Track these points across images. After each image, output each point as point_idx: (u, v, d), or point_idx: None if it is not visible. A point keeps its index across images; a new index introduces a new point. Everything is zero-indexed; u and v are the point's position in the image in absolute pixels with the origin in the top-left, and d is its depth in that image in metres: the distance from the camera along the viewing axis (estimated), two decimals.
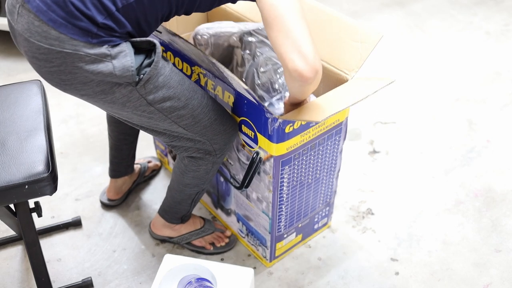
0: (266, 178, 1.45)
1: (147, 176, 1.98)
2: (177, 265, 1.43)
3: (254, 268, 1.68)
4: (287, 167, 1.43)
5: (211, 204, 1.84)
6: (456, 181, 1.98)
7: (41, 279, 1.50)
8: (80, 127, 2.24)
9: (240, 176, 1.57)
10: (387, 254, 1.72)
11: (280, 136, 1.34)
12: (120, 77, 1.16)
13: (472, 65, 2.61)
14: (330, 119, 1.43)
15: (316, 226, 1.75)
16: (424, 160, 2.08)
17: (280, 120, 1.29)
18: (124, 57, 1.15)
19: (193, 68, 1.50)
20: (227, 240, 1.73)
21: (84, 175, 2.01)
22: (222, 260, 1.71)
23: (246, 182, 1.49)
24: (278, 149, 1.37)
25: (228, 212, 1.75)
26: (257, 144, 1.41)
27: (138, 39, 1.19)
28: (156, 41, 1.20)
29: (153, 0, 1.18)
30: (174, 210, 1.64)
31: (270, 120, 1.31)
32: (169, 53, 1.57)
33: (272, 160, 1.39)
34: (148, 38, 1.20)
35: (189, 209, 1.63)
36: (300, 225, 1.66)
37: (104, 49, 1.13)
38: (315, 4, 1.50)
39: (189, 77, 1.53)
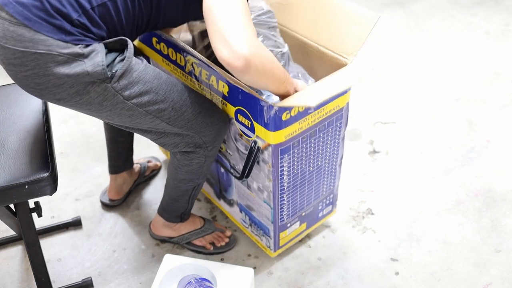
0: (265, 167, 1.44)
1: (147, 176, 1.98)
2: (177, 265, 1.44)
3: (254, 268, 1.68)
4: (286, 155, 1.41)
5: (213, 195, 1.83)
6: (456, 181, 1.98)
7: (41, 279, 1.50)
8: (80, 127, 2.24)
9: (240, 166, 1.55)
10: (387, 254, 1.73)
11: (277, 124, 1.31)
12: (92, 74, 1.16)
13: (472, 65, 2.61)
14: (329, 105, 1.41)
15: (320, 214, 1.72)
16: (424, 160, 2.08)
17: (275, 108, 1.27)
18: (95, 56, 1.17)
19: (186, 58, 1.48)
20: (227, 240, 1.73)
21: (84, 175, 2.01)
22: (222, 260, 1.71)
23: (246, 172, 1.47)
24: (276, 137, 1.34)
25: (230, 203, 1.74)
26: (254, 133, 1.39)
27: (111, 39, 1.21)
28: (128, 40, 1.23)
29: (127, 3, 1.21)
30: (172, 208, 1.64)
31: (265, 108, 1.29)
32: (162, 44, 1.55)
33: (270, 148, 1.37)
34: (120, 37, 1.22)
35: (187, 206, 1.63)
36: (303, 214, 1.63)
37: (77, 49, 1.14)
38: None
39: (183, 67, 1.52)
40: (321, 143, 1.50)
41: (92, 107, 1.25)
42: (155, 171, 2.01)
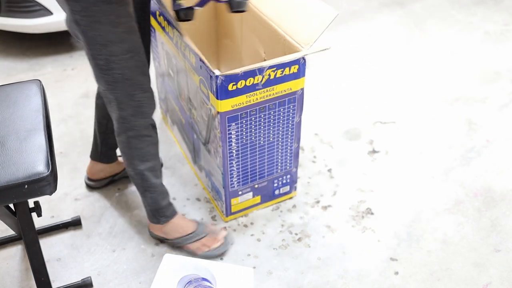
0: (217, 133, 1.60)
1: None
2: (176, 265, 1.43)
3: (254, 267, 1.68)
4: (234, 123, 1.57)
5: (192, 161, 2.00)
6: (455, 181, 1.99)
7: (41, 279, 1.50)
8: (80, 127, 2.24)
9: (204, 133, 1.72)
10: (387, 254, 1.73)
11: (224, 93, 1.49)
12: None
13: (471, 65, 2.61)
14: (280, 85, 1.57)
15: (277, 192, 1.84)
16: (424, 160, 2.08)
17: (221, 78, 1.44)
18: None
19: (173, 30, 1.68)
20: (222, 241, 1.71)
21: (84, 175, 2.01)
22: (222, 260, 1.71)
23: (207, 137, 1.66)
24: (223, 105, 1.51)
25: (200, 168, 1.90)
26: (209, 101, 1.56)
27: None
28: None
29: None
30: (146, 208, 1.69)
31: (213, 77, 1.46)
32: (161, 17, 1.77)
33: (219, 116, 1.53)
34: None
35: (150, 203, 1.64)
36: (256, 186, 1.77)
37: None
38: None
39: (172, 39, 1.72)
40: (271, 121, 1.64)
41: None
42: None
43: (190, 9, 1.42)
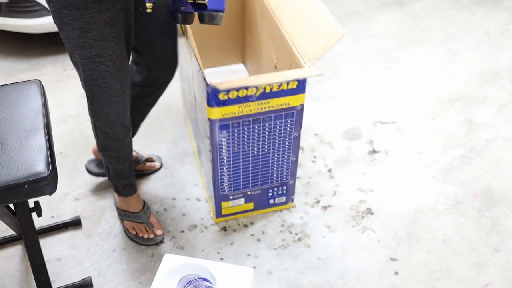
0: (207, 138, 1.62)
1: (139, 170, 1.98)
2: (176, 265, 1.43)
3: (254, 267, 1.68)
4: (225, 131, 1.57)
5: (198, 154, 2.01)
6: (455, 181, 1.99)
7: (41, 279, 1.50)
8: (80, 127, 2.24)
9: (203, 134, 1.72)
10: (387, 254, 1.73)
11: (214, 102, 1.49)
12: None
13: (471, 65, 2.61)
14: (276, 100, 1.55)
15: (271, 201, 1.84)
16: (424, 160, 2.08)
17: (212, 86, 1.43)
18: None
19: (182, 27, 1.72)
20: (151, 236, 1.76)
21: (84, 175, 2.01)
22: (221, 259, 1.71)
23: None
24: (213, 112, 1.52)
25: (203, 165, 1.90)
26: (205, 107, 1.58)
27: None
28: None
29: None
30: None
31: (205, 86, 1.46)
32: None
33: (209, 122, 1.54)
34: None
35: (110, 176, 1.74)
36: (249, 193, 1.78)
37: None
38: None
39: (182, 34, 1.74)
40: (267, 132, 1.63)
41: None
42: (148, 171, 2.01)
43: (190, 13, 1.38)
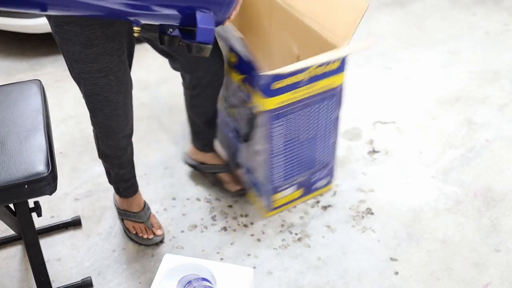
0: (262, 131, 1.62)
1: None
2: (176, 265, 1.43)
3: (254, 268, 1.68)
4: (279, 121, 1.59)
5: (228, 157, 2.01)
6: (455, 181, 1.99)
7: (41, 279, 1.50)
8: (80, 127, 2.24)
9: (245, 131, 1.73)
10: (387, 254, 1.73)
11: (269, 92, 1.51)
12: None
13: (471, 65, 2.61)
14: (320, 84, 1.59)
15: (315, 186, 1.87)
16: (424, 160, 2.08)
17: (267, 77, 1.45)
18: None
19: None
20: (151, 236, 1.76)
21: (84, 175, 2.01)
22: (221, 259, 1.71)
23: (248, 135, 1.69)
24: (268, 103, 1.53)
25: (239, 165, 1.91)
26: (253, 99, 1.59)
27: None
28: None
29: None
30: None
31: (259, 77, 1.48)
32: None
33: (264, 114, 1.55)
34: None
35: (111, 179, 1.73)
36: (297, 180, 1.80)
37: None
38: None
39: None
40: (313, 117, 1.67)
41: None
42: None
43: (176, 37, 1.28)
